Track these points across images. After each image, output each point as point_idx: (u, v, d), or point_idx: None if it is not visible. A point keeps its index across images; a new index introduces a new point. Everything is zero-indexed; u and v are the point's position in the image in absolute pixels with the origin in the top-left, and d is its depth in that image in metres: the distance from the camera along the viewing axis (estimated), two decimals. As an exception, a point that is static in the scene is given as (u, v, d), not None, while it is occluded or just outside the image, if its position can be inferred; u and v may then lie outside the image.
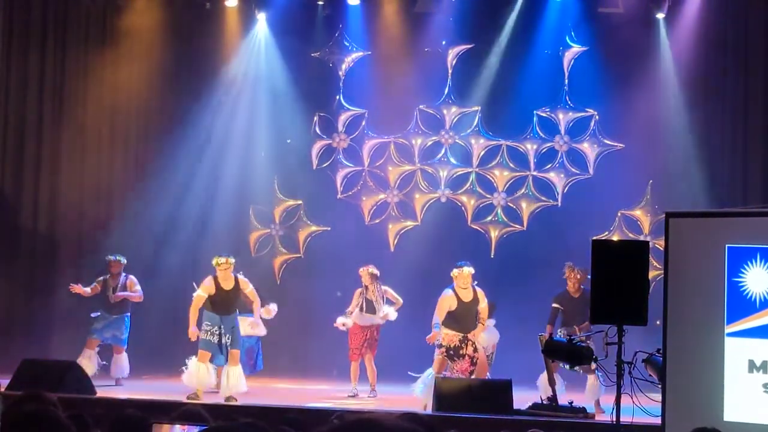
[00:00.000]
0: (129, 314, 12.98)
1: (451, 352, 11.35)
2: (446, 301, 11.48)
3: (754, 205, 12.34)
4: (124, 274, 13.00)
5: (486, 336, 11.62)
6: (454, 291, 11.51)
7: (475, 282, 11.68)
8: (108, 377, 12.78)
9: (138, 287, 12.98)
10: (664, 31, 14.53)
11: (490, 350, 11.72)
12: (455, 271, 11.53)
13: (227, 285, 11.76)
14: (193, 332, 11.65)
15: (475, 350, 11.36)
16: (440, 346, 11.37)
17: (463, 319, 11.43)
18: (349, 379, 12.63)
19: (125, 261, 13.09)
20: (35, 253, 14.50)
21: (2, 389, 9.40)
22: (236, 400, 11.21)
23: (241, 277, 11.93)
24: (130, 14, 14.89)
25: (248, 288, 11.95)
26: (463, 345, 11.35)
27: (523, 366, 11.72)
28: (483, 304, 11.52)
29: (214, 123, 15.29)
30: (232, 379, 11.51)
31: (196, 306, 11.73)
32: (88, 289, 12.86)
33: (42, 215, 14.54)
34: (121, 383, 12.74)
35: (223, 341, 11.61)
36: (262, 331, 12.81)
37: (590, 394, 11.22)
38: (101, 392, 11.02)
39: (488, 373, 11.47)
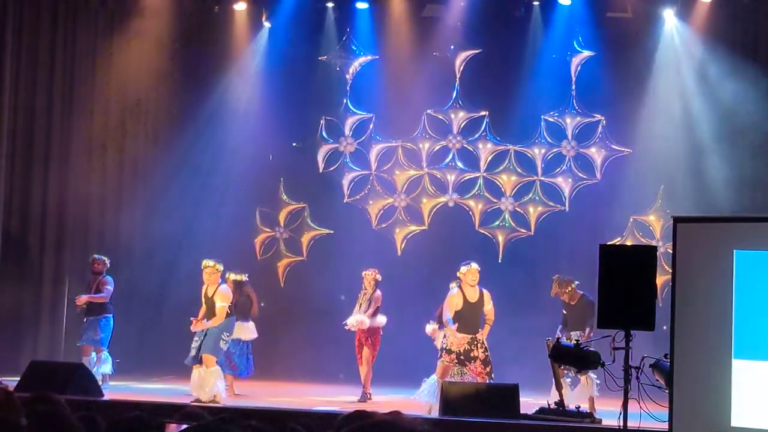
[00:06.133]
0: (109, 315, 12.46)
1: (462, 357, 11.24)
2: (453, 299, 11.41)
3: (764, 210, 12.34)
4: (104, 273, 12.62)
5: None
6: (460, 289, 11.43)
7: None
8: (112, 379, 12.73)
9: (108, 287, 12.41)
10: (672, 34, 14.52)
11: None
12: (463, 269, 11.35)
13: (209, 291, 11.50)
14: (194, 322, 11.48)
15: (486, 351, 11.28)
16: (449, 351, 11.23)
17: (469, 319, 11.35)
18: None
19: (108, 261, 12.68)
20: (43, 253, 14.50)
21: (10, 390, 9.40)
22: (219, 403, 10.91)
23: (223, 288, 11.52)
24: (138, 17, 14.91)
25: (218, 303, 11.36)
26: (472, 347, 11.27)
27: (530, 370, 11.69)
28: (489, 306, 11.43)
29: (220, 125, 15.31)
30: (205, 381, 11.16)
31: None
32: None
33: (50, 215, 14.52)
34: (106, 381, 12.26)
35: (194, 346, 11.35)
36: (246, 334, 12.58)
37: (581, 393, 11.16)
38: (107, 394, 11.02)
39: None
